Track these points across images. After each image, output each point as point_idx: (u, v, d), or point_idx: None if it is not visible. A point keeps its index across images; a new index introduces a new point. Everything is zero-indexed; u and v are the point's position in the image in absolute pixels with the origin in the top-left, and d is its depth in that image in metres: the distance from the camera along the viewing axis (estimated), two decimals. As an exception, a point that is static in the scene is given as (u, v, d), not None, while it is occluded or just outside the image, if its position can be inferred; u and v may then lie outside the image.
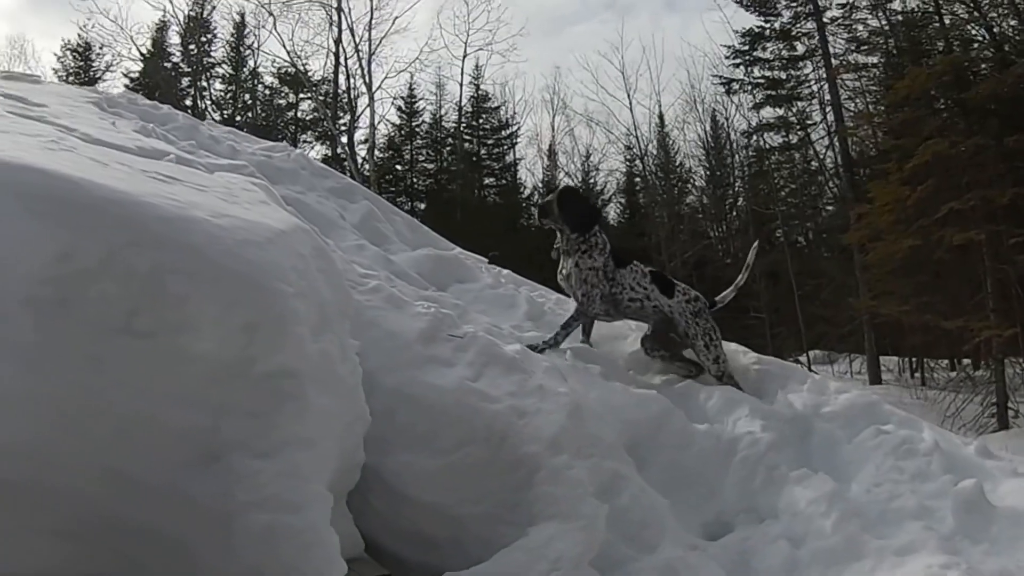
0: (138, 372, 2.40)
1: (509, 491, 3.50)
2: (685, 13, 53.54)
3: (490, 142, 35.31)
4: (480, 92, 34.95)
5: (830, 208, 28.10)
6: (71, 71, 32.84)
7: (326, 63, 32.20)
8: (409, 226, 6.53)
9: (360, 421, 3.13)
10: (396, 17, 31.53)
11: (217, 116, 32.84)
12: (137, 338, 2.40)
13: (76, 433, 2.33)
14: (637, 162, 33.36)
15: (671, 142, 33.46)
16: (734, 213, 32.18)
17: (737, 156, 31.85)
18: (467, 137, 35.01)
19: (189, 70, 34.43)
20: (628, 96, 31.72)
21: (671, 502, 3.84)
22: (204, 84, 34.57)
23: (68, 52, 33.33)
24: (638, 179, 34.34)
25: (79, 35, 32.89)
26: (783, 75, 27.05)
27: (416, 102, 35.24)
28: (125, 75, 33.35)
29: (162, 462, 2.42)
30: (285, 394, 2.58)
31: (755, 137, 29.31)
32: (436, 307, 4.19)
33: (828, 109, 25.43)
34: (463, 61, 32.73)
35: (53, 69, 32.80)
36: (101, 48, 32.98)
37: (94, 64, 33.36)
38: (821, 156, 27.23)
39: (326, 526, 2.57)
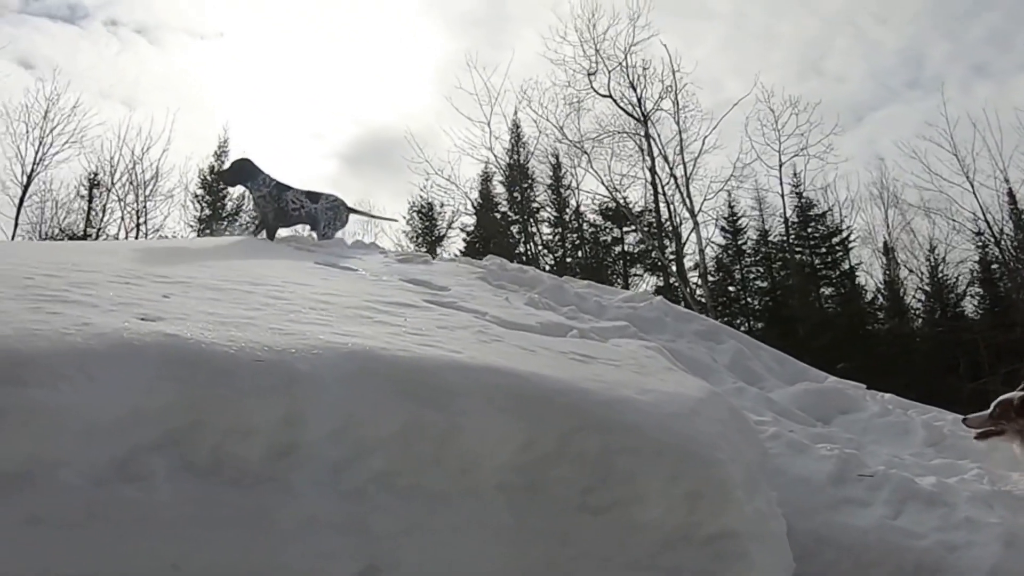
0: (597, 544, 2.68)
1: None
2: (999, 76, 45.76)
3: (822, 250, 33.65)
4: (803, 200, 33.87)
5: None
6: (419, 232, 35.95)
7: (645, 193, 32.63)
8: (777, 360, 6.55)
9: (788, 569, 3.21)
10: (705, 136, 31.03)
11: (549, 259, 34.51)
12: (593, 514, 2.70)
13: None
14: (991, 247, 30.33)
15: (1029, 220, 30.13)
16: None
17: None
18: (798, 249, 33.77)
19: (516, 217, 36.52)
20: (968, 178, 29.16)
21: None
22: (533, 229, 36.33)
23: (414, 214, 36.62)
24: (995, 266, 31.15)
25: (420, 196, 35.92)
26: None
27: (738, 219, 34.71)
28: (462, 229, 36.10)
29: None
30: (730, 554, 2.76)
31: None
32: (839, 448, 4.20)
33: None
34: (779, 170, 31.89)
35: (404, 232, 36.01)
36: (442, 206, 35.87)
37: (437, 223, 36.37)
38: None
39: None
